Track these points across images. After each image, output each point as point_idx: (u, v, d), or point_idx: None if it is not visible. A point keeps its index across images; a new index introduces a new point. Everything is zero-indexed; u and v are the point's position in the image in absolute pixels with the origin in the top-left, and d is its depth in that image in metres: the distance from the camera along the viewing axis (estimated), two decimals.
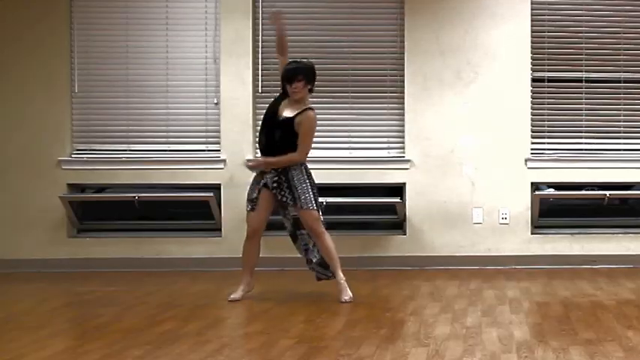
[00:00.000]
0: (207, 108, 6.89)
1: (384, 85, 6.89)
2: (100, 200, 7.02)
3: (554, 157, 6.85)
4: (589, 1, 6.87)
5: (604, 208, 6.86)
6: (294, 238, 5.37)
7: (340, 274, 5.22)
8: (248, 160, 5.28)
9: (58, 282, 6.23)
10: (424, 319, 4.60)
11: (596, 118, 6.90)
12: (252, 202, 5.26)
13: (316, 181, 5.33)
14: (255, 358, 3.78)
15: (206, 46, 6.88)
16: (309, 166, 6.15)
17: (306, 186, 5.20)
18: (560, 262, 6.74)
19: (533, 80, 6.86)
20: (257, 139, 5.43)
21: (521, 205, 6.80)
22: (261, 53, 6.86)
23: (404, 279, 6.19)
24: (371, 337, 4.12)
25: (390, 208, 6.81)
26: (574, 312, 4.81)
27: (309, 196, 5.20)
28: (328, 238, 5.24)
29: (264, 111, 5.34)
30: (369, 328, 4.35)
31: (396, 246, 6.82)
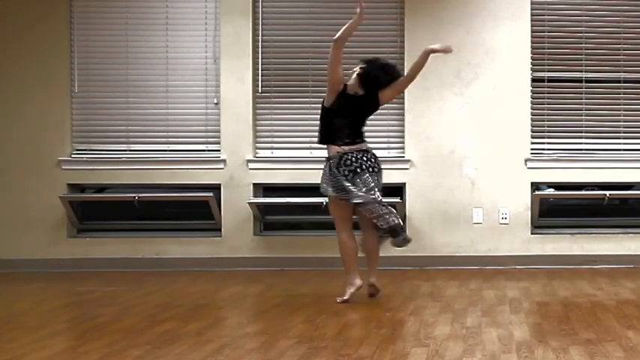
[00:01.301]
0: (207, 108, 6.88)
1: None
2: (100, 200, 7.02)
3: (554, 157, 6.84)
4: (589, 1, 6.87)
5: (604, 208, 6.86)
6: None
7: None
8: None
9: (58, 282, 6.23)
10: (424, 319, 4.60)
11: (596, 118, 6.90)
12: (342, 190, 5.04)
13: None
14: (255, 358, 3.78)
15: (206, 46, 6.88)
16: (308, 165, 6.18)
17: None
18: (560, 262, 6.74)
19: (533, 80, 6.86)
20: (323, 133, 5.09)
21: (521, 205, 6.80)
22: (261, 53, 6.85)
23: (404, 279, 6.18)
24: (371, 337, 4.12)
25: None
26: (574, 312, 4.81)
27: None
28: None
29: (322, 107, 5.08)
30: (369, 328, 4.35)
31: None
